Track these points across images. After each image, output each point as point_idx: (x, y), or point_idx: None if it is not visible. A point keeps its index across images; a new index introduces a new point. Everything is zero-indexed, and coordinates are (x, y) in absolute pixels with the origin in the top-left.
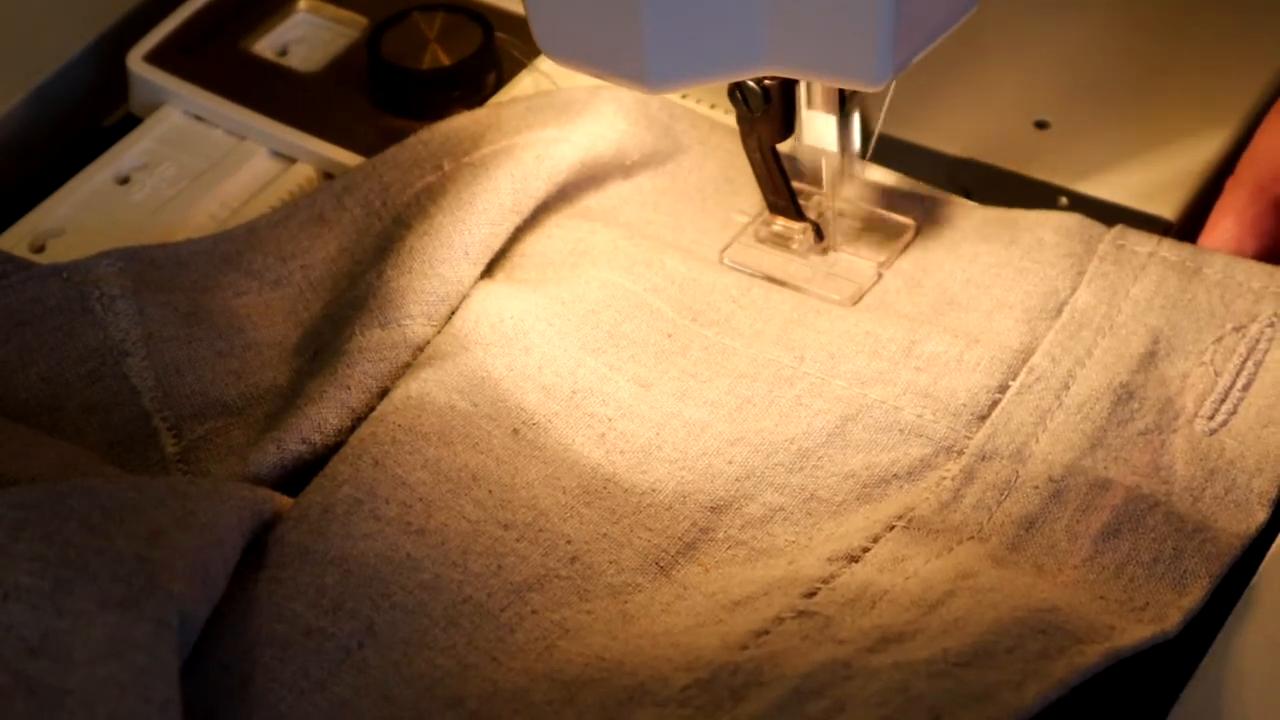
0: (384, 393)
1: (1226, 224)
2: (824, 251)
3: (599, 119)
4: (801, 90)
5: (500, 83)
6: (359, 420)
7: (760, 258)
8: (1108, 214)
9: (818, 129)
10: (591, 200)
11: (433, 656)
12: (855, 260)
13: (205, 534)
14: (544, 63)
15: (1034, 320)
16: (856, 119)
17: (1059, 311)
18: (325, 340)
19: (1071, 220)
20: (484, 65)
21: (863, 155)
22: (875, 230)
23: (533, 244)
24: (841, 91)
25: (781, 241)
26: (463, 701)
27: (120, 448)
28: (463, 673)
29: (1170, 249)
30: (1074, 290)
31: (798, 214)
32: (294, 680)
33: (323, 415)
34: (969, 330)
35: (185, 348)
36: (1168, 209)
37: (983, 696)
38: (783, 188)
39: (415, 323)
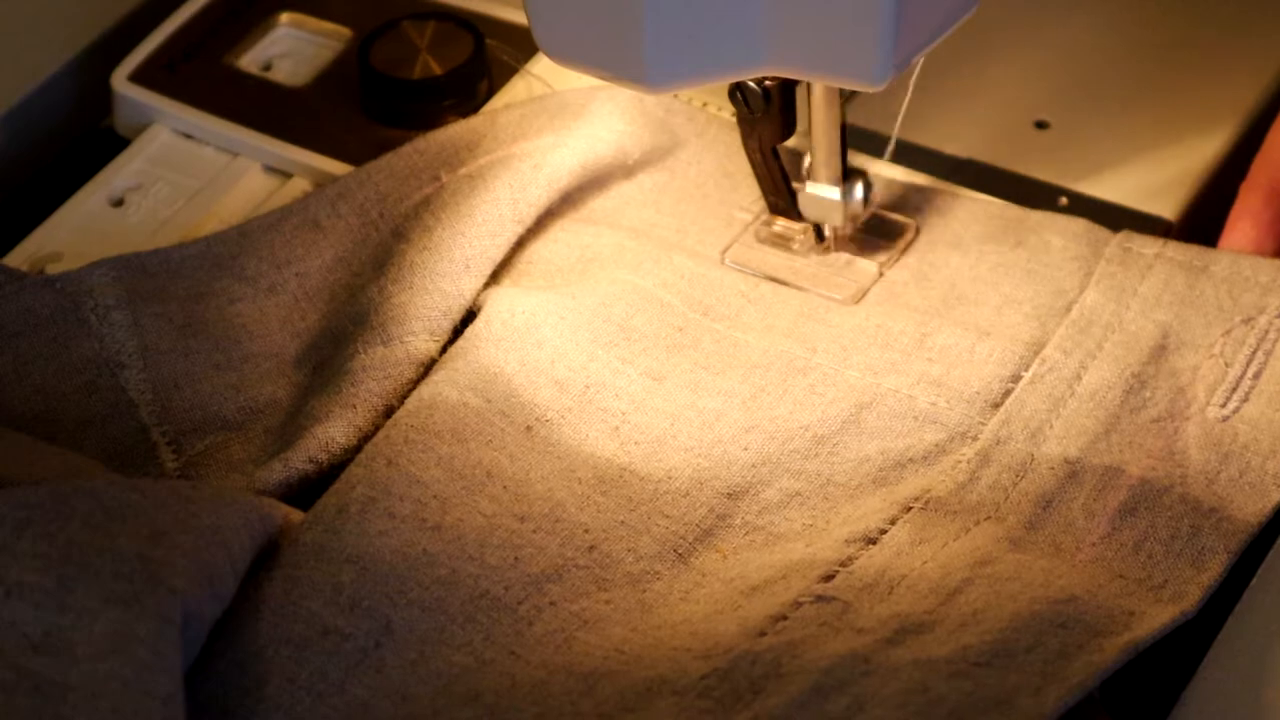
0: (389, 410)
1: (1243, 227)
2: (825, 252)
3: (596, 121)
4: (805, 161)
5: (492, 90)
6: (365, 438)
7: (761, 258)
8: (1108, 214)
9: (821, 200)
10: (595, 203)
11: (450, 654)
12: (856, 260)
13: (208, 535)
14: (536, 66)
15: (1044, 317)
16: (859, 187)
17: (1068, 310)
18: (326, 355)
19: (1078, 225)
20: (476, 73)
21: (882, 155)
22: (876, 230)
23: (539, 250)
24: (845, 162)
25: (782, 242)
26: (480, 696)
27: (119, 461)
28: (480, 669)
29: (1176, 249)
30: (1082, 291)
31: (798, 215)
32: (311, 682)
33: (330, 434)
34: (979, 324)
35: (182, 360)
36: (1168, 209)
37: (1002, 701)
38: (783, 188)
39: (418, 339)
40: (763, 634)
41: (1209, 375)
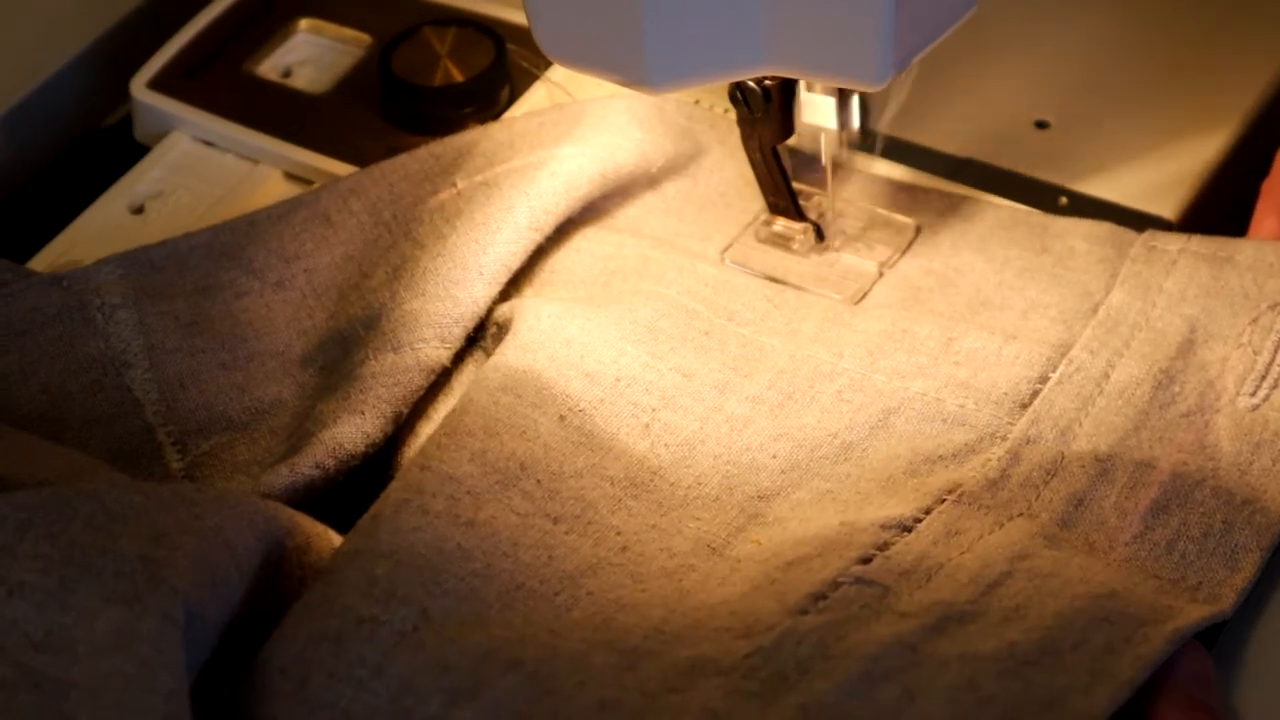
0: (398, 416)
1: (1269, 224)
2: (825, 251)
3: (612, 129)
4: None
5: (514, 96)
6: (373, 445)
7: (761, 258)
8: (1108, 214)
9: (817, 110)
10: (617, 211)
11: (489, 629)
12: (856, 260)
13: (212, 536)
14: (556, 74)
15: (1070, 320)
16: (856, 99)
17: (1094, 311)
18: (334, 358)
19: (1102, 229)
20: (497, 80)
21: (869, 149)
22: (877, 230)
23: (561, 260)
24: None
25: (782, 242)
26: (522, 663)
27: (124, 460)
28: (521, 640)
29: (1200, 243)
30: (1108, 291)
31: (798, 214)
32: (350, 671)
33: (337, 440)
34: (1005, 328)
35: (188, 359)
36: (1168, 209)
37: (1053, 703)
38: (783, 188)
39: (429, 345)
40: (804, 612)
41: (1238, 365)
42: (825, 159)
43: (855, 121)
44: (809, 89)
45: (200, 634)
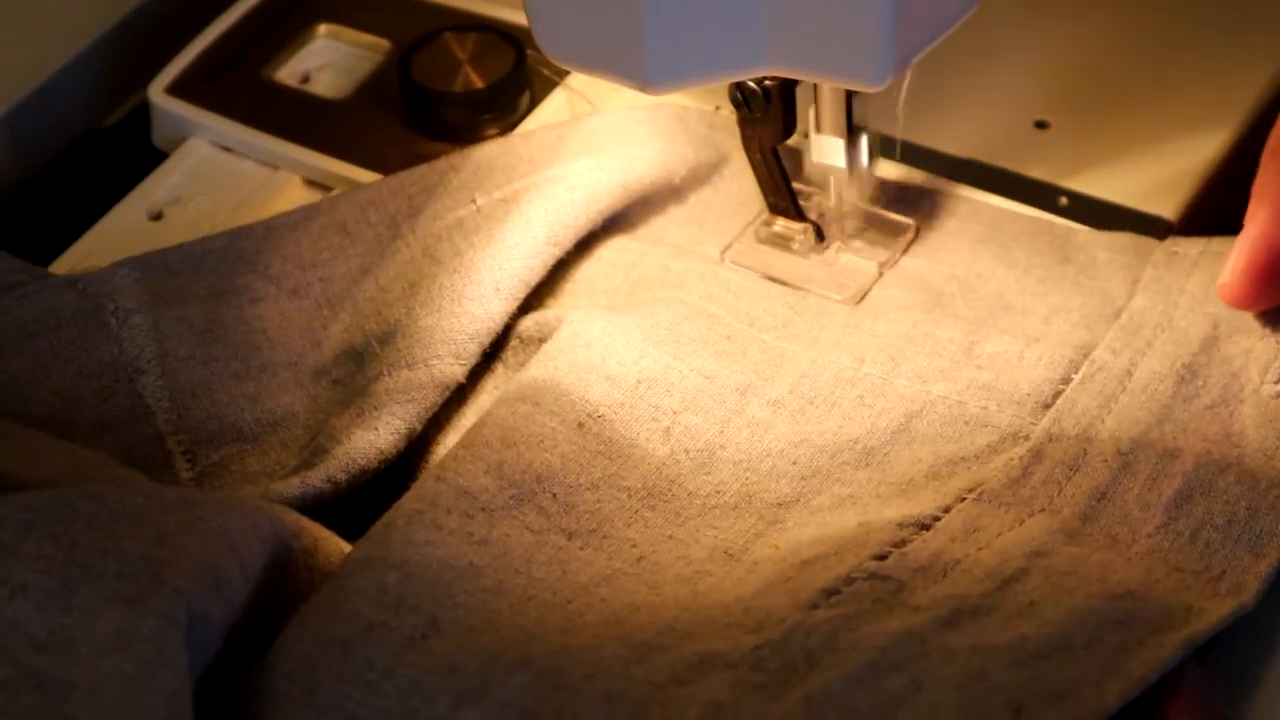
0: (412, 433)
1: (1261, 216)
2: (825, 251)
3: (633, 141)
4: (810, 116)
5: (534, 103)
6: (386, 460)
7: (761, 258)
8: (1108, 214)
9: (826, 151)
10: (640, 221)
11: (499, 632)
12: (856, 260)
13: (215, 538)
14: (576, 80)
15: (1093, 324)
16: (864, 140)
17: (1117, 315)
18: (347, 371)
19: (1124, 239)
20: (517, 86)
21: (890, 155)
22: (877, 230)
23: (584, 271)
24: (849, 115)
25: (782, 242)
26: (530, 663)
27: (133, 468)
28: (530, 640)
29: (1221, 244)
30: (1130, 297)
31: (798, 215)
32: (359, 675)
33: (350, 455)
34: (1027, 332)
35: (201, 368)
36: (1168, 209)
37: (1063, 695)
38: (783, 188)
39: (443, 362)
40: (815, 606)
41: (1262, 355)
42: (834, 200)
43: (864, 161)
44: (818, 130)
45: (203, 635)
